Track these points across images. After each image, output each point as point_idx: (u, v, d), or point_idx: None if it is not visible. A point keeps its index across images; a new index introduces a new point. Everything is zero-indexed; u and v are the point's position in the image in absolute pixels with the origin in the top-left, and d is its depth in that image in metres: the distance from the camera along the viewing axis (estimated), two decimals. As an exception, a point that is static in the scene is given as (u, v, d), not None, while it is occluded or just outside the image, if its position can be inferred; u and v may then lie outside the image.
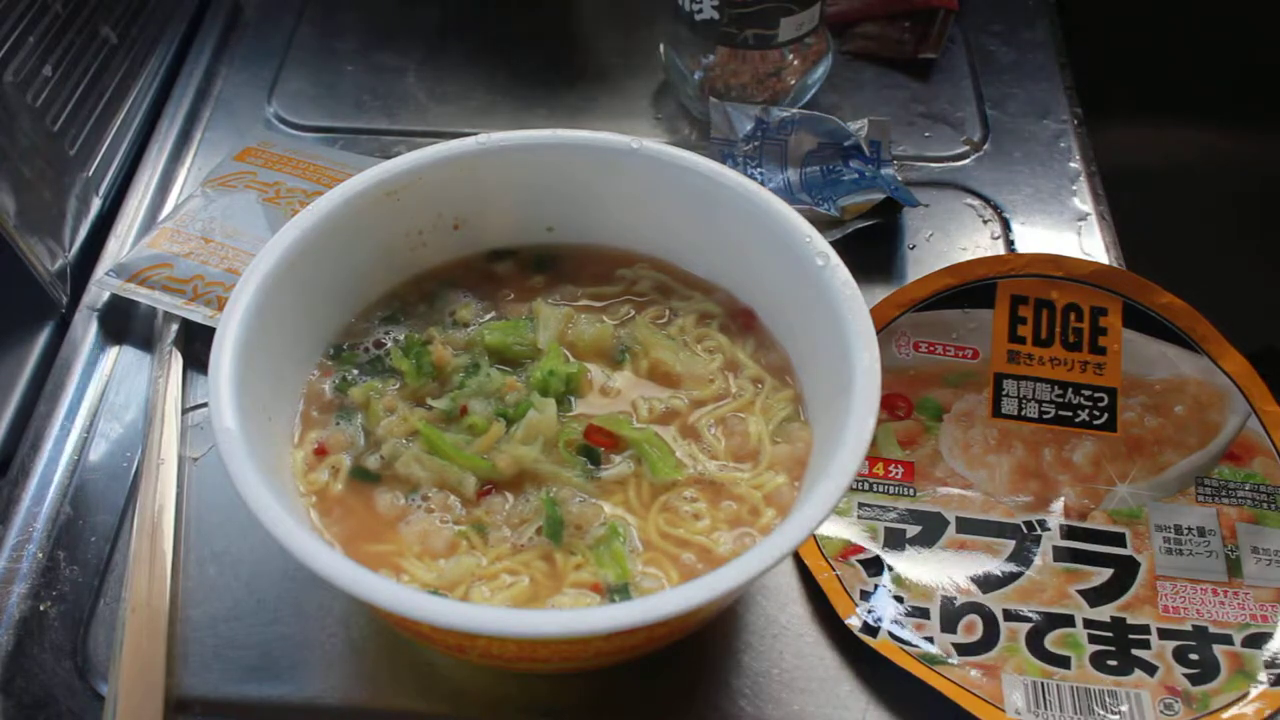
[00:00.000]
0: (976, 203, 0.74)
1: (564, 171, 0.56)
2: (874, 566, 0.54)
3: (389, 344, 0.55)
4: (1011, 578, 0.54)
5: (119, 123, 0.77)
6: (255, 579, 0.55)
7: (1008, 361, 0.60)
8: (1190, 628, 0.53)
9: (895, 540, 0.55)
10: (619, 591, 0.47)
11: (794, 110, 0.73)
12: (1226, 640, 0.52)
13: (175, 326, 0.64)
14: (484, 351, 0.54)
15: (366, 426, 0.52)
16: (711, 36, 0.73)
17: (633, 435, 0.51)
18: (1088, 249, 0.70)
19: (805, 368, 0.53)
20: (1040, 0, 0.88)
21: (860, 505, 0.57)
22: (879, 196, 0.68)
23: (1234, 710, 0.50)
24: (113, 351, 0.65)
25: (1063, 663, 0.51)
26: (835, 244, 0.51)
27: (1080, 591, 0.54)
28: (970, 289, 0.61)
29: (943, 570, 0.54)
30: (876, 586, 0.54)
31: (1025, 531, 0.56)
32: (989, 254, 0.68)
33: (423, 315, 0.57)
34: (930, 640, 0.52)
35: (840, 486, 0.43)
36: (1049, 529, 0.56)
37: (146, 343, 0.65)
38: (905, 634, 0.52)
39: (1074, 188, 0.74)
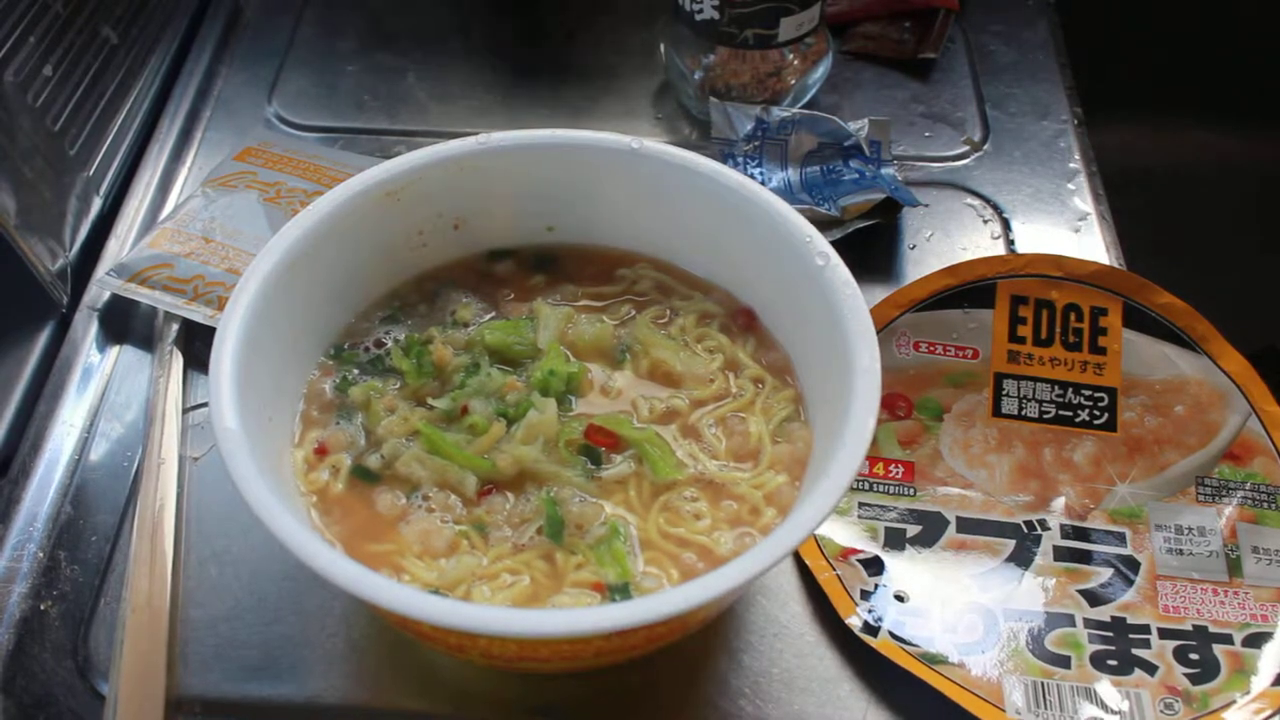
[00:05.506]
0: (976, 203, 0.74)
1: (564, 171, 0.56)
2: (874, 566, 0.54)
3: (389, 344, 0.55)
4: (1011, 578, 0.54)
5: (119, 123, 0.77)
6: (256, 579, 0.55)
7: (1008, 361, 0.60)
8: (1190, 627, 0.53)
9: (895, 540, 0.55)
10: (620, 591, 0.47)
11: (794, 110, 0.73)
12: (1226, 640, 0.52)
13: (176, 326, 0.64)
14: (484, 351, 0.54)
15: (367, 426, 0.52)
16: (711, 36, 0.73)
17: (633, 435, 0.51)
18: (1088, 249, 0.70)
19: (805, 368, 0.53)
20: (1040, 0, 0.88)
21: (860, 505, 0.57)
22: (879, 196, 0.68)
23: (1234, 710, 0.50)
24: (113, 351, 0.65)
25: (1063, 663, 0.51)
26: (835, 244, 0.51)
27: (1080, 591, 0.54)
28: (970, 289, 0.61)
29: (943, 570, 0.54)
30: (877, 586, 0.54)
31: (1025, 531, 0.56)
32: (989, 254, 0.68)
33: (423, 315, 0.57)
34: (930, 640, 0.52)
35: (840, 486, 0.43)
36: (1049, 529, 0.56)
37: (147, 343, 0.65)
38: (905, 634, 0.52)
39: (1074, 188, 0.74)
